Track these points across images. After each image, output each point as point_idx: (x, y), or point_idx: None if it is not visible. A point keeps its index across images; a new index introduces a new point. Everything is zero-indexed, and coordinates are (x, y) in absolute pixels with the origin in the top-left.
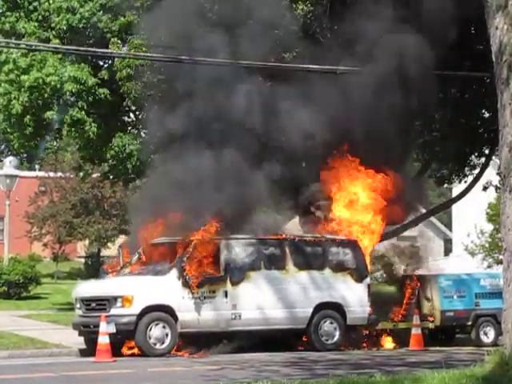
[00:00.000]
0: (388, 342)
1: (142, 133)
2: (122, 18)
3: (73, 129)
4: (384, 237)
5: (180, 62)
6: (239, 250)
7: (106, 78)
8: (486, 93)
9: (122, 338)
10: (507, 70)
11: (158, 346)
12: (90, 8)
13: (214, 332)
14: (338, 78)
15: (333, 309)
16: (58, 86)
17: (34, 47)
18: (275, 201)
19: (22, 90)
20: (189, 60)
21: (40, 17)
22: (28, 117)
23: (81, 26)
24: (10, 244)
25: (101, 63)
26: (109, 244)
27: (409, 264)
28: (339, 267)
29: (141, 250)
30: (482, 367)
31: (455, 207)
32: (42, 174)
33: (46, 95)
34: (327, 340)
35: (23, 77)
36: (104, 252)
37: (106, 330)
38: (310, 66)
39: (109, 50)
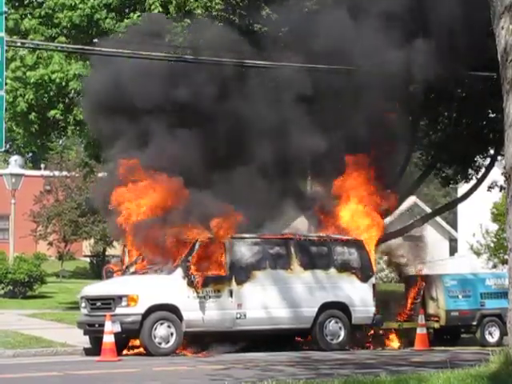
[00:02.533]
0: (393, 342)
1: None
2: (127, 20)
3: (78, 128)
4: (388, 236)
5: (183, 62)
6: (244, 249)
7: None
8: (491, 93)
9: (127, 338)
10: None
11: (162, 346)
12: (92, 5)
13: (219, 331)
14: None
15: (338, 308)
16: (64, 83)
17: (39, 46)
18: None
19: (28, 87)
20: (192, 59)
21: (43, 13)
22: (33, 114)
23: (83, 23)
24: (15, 243)
25: None
26: (114, 243)
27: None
28: (344, 267)
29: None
30: (487, 367)
31: (460, 207)
32: (47, 173)
33: (51, 93)
34: (332, 339)
35: (29, 73)
36: (109, 251)
37: (111, 329)
38: (319, 66)
39: (113, 50)
